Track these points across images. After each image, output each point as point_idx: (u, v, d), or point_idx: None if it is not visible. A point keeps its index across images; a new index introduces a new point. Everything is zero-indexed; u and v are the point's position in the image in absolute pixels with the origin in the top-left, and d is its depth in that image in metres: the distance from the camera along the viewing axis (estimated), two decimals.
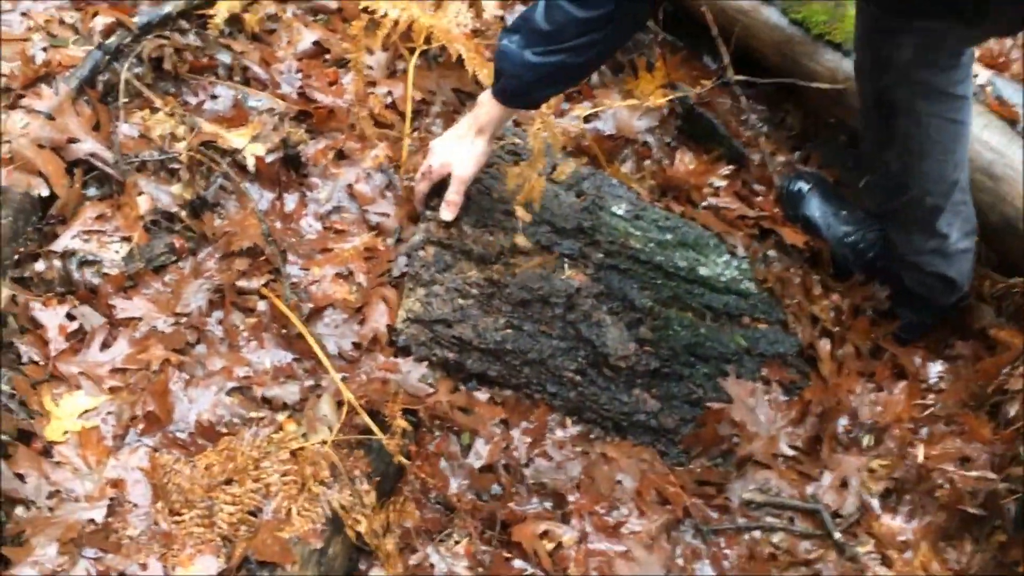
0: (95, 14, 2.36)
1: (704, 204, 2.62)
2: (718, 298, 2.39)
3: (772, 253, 2.58)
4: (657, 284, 2.35)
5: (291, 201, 2.33)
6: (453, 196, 2.26)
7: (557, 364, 2.26)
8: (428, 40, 2.49)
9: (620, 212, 2.39)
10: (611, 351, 2.27)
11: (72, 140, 2.17)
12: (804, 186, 2.68)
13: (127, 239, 2.14)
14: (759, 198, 2.67)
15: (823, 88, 2.70)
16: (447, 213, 2.26)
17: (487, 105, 2.19)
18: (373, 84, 2.53)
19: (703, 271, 2.39)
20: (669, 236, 2.41)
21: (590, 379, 2.28)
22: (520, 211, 2.30)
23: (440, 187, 2.27)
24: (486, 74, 2.51)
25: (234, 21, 2.47)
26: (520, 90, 2.12)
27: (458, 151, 2.23)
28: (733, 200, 2.62)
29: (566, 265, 2.30)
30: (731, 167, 2.69)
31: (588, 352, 2.27)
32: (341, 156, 2.41)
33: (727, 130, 2.73)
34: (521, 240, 2.29)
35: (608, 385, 2.28)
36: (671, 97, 2.70)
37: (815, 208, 2.66)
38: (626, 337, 2.29)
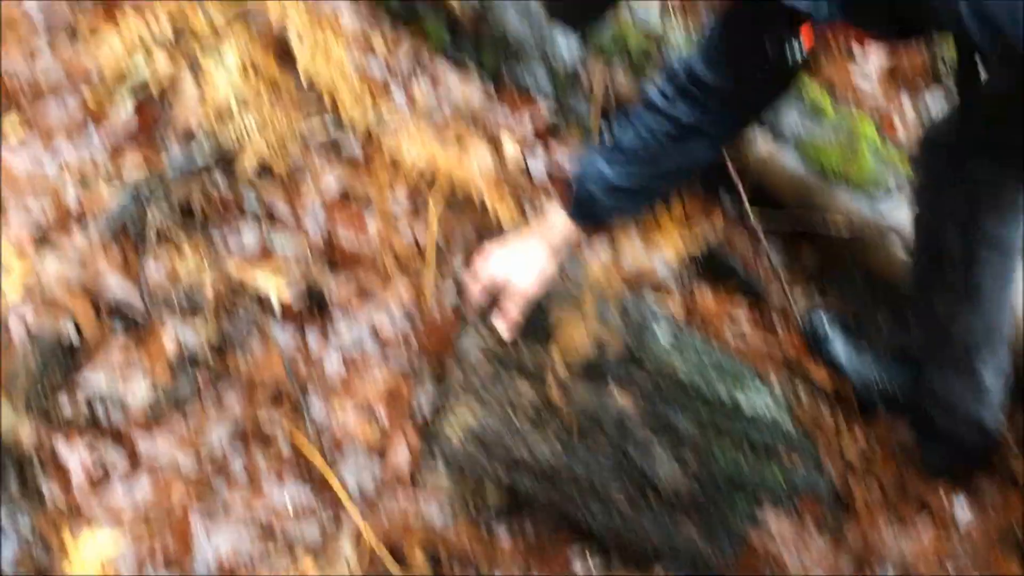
0: (127, 160, 2.43)
1: (729, 340, 2.63)
2: (756, 430, 2.37)
3: (800, 388, 2.57)
4: (700, 412, 2.33)
5: (314, 339, 2.35)
6: (514, 313, 2.18)
7: (605, 487, 2.22)
8: (450, 182, 2.54)
9: (662, 337, 2.39)
10: (660, 477, 2.24)
11: (101, 282, 2.21)
12: (825, 324, 2.70)
13: (151, 377, 2.15)
14: (780, 334, 2.68)
15: (840, 227, 2.74)
16: (505, 330, 2.19)
17: (557, 221, 2.15)
18: (396, 226, 2.58)
19: (742, 402, 2.38)
20: (709, 365, 2.41)
21: (635, 503, 2.24)
22: (558, 359, 2.27)
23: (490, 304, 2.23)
24: (507, 215, 2.57)
25: (262, 165, 2.54)
26: (593, 207, 2.10)
27: (522, 265, 2.17)
28: (756, 336, 2.63)
29: (615, 388, 2.29)
30: (751, 305, 2.71)
31: (636, 476, 2.24)
32: (364, 295, 2.44)
33: (746, 269, 2.76)
34: (556, 385, 2.26)
35: (652, 510, 2.25)
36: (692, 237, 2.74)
37: (837, 346, 2.67)
38: (673, 464, 2.26)
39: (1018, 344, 2.46)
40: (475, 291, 2.23)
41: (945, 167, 2.17)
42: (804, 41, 1.69)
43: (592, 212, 2.11)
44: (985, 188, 2.15)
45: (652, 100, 2.06)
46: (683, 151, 2.04)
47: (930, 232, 2.31)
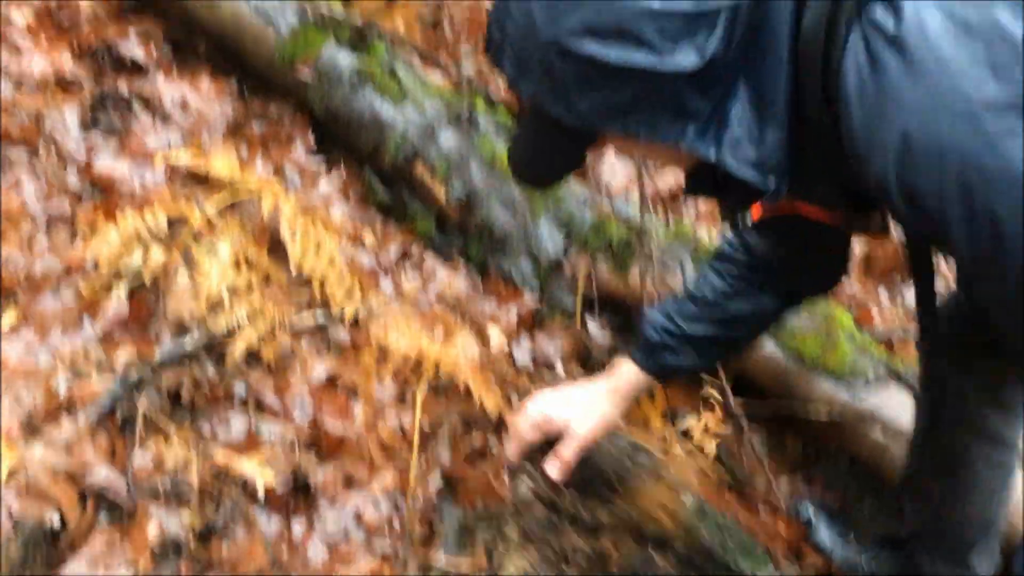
0: (118, 349, 2.47)
1: None
2: None
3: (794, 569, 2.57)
4: None
5: (299, 527, 2.34)
6: (568, 455, 2.10)
7: None
8: (437, 370, 2.58)
9: (689, 505, 2.37)
10: None
11: (87, 469, 2.22)
12: (810, 513, 2.70)
13: (134, 566, 2.13)
14: (766, 519, 2.68)
15: (821, 415, 2.77)
16: (556, 471, 2.11)
17: (623, 368, 2.12)
18: (382, 412, 2.61)
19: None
20: (728, 537, 2.38)
21: None
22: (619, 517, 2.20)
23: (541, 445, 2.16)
24: (493, 402, 2.60)
25: (251, 354, 2.58)
26: (659, 354, 2.07)
27: (582, 408, 2.11)
28: (744, 519, 2.63)
29: (654, 552, 2.23)
30: (735, 492, 2.72)
31: None
32: (350, 482, 2.44)
33: (729, 456, 2.78)
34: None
35: None
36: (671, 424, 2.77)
37: (823, 534, 2.67)
38: None
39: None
40: (526, 429, 2.15)
41: (946, 360, 2.19)
42: (752, 212, 1.73)
43: (658, 359, 2.08)
44: (986, 384, 2.18)
45: (721, 247, 2.09)
46: (746, 299, 2.04)
47: (931, 422, 2.32)
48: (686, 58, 1.42)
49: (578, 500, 2.18)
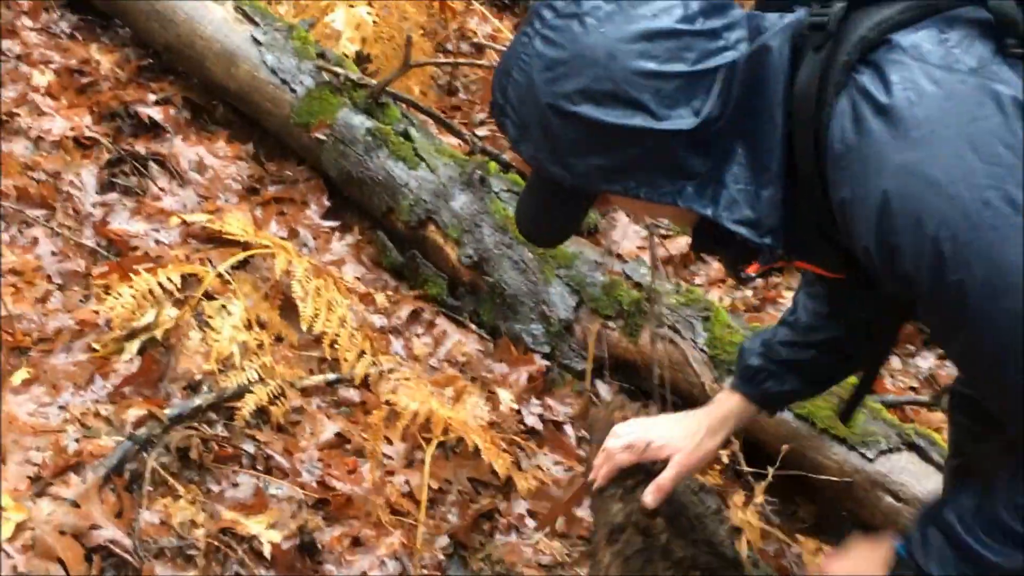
0: (128, 407, 2.48)
1: None
2: None
3: None
4: None
5: None
6: (667, 482, 2.01)
7: None
8: (446, 431, 2.58)
9: (747, 554, 2.30)
10: None
11: (94, 527, 2.21)
12: None
13: None
14: None
15: (833, 481, 2.75)
16: (652, 498, 2.02)
17: (726, 399, 2.07)
18: (391, 473, 2.60)
19: None
20: None
21: None
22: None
23: (632, 470, 2.07)
24: (501, 464, 2.59)
25: (261, 412, 2.59)
26: (756, 378, 2.03)
27: (683, 438, 2.03)
28: None
29: None
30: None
31: None
32: (356, 543, 2.43)
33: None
34: None
35: None
36: None
37: None
38: None
39: None
40: (620, 451, 2.06)
41: (971, 421, 2.18)
42: (751, 267, 1.75)
43: (760, 386, 2.03)
44: (1010, 445, 2.16)
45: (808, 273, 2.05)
46: (835, 326, 2.01)
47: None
48: (682, 119, 1.47)
49: (668, 532, 2.08)
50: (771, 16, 1.58)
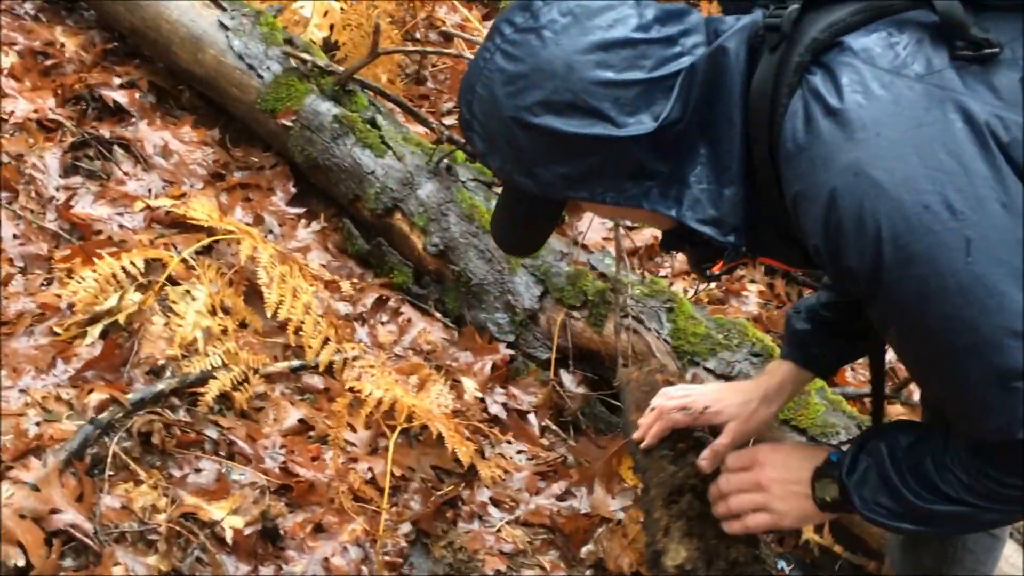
0: (90, 391, 2.46)
1: None
2: None
3: None
4: None
5: (266, 574, 2.32)
6: (723, 449, 2.00)
7: None
8: (410, 419, 2.58)
9: None
10: None
11: (54, 511, 2.20)
12: (785, 566, 2.70)
13: None
14: None
15: None
16: (708, 463, 2.02)
17: (777, 367, 2.08)
18: (354, 460, 2.61)
19: None
20: None
21: None
22: None
23: (682, 433, 2.07)
24: (465, 452, 2.60)
25: (224, 398, 2.58)
26: (804, 342, 2.04)
27: (738, 405, 2.03)
28: None
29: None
30: None
31: None
32: (319, 529, 2.43)
33: None
34: None
35: None
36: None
37: None
38: None
39: None
40: (674, 412, 2.06)
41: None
42: (715, 264, 1.78)
43: (808, 350, 2.05)
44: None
45: None
46: None
47: None
48: (642, 124, 1.51)
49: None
50: (729, 19, 1.62)
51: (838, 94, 1.46)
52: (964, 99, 1.43)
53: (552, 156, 1.55)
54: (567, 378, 3.03)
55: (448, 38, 4.47)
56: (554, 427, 2.97)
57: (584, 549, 2.65)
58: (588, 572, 2.60)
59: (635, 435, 2.12)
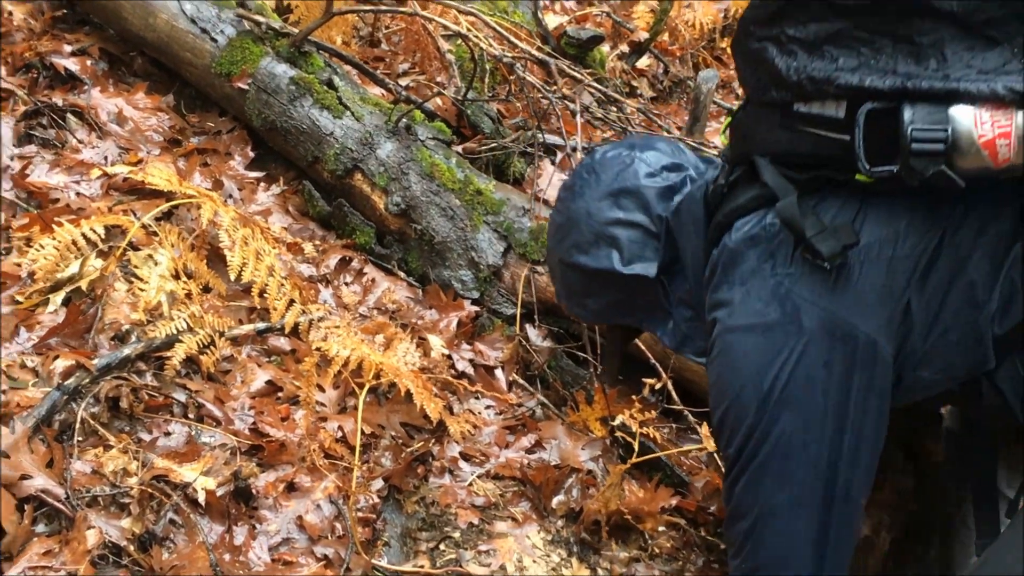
0: (56, 357, 2.45)
1: (661, 528, 2.66)
2: None
3: None
4: None
5: (240, 534, 2.33)
6: None
7: None
8: (378, 377, 2.59)
9: None
10: None
11: (24, 477, 2.19)
12: None
13: (73, 574, 2.11)
14: (712, 517, 2.72)
15: None
16: None
17: None
18: (324, 419, 2.61)
19: None
20: None
21: None
22: None
23: None
24: (434, 408, 2.61)
25: (191, 362, 2.58)
26: None
27: None
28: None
29: None
30: (677, 495, 2.75)
31: None
32: (291, 488, 2.44)
33: (669, 458, 2.81)
34: None
35: None
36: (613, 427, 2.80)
37: None
38: None
39: None
40: None
41: (954, 451, 2.22)
42: None
43: None
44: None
45: None
46: None
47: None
48: (646, 266, 1.95)
49: None
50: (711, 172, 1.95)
51: (724, 285, 1.81)
52: (798, 307, 1.71)
53: (588, 289, 2.05)
54: (533, 333, 3.05)
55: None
56: (521, 381, 2.99)
57: (555, 500, 2.68)
58: (560, 522, 2.63)
59: None
